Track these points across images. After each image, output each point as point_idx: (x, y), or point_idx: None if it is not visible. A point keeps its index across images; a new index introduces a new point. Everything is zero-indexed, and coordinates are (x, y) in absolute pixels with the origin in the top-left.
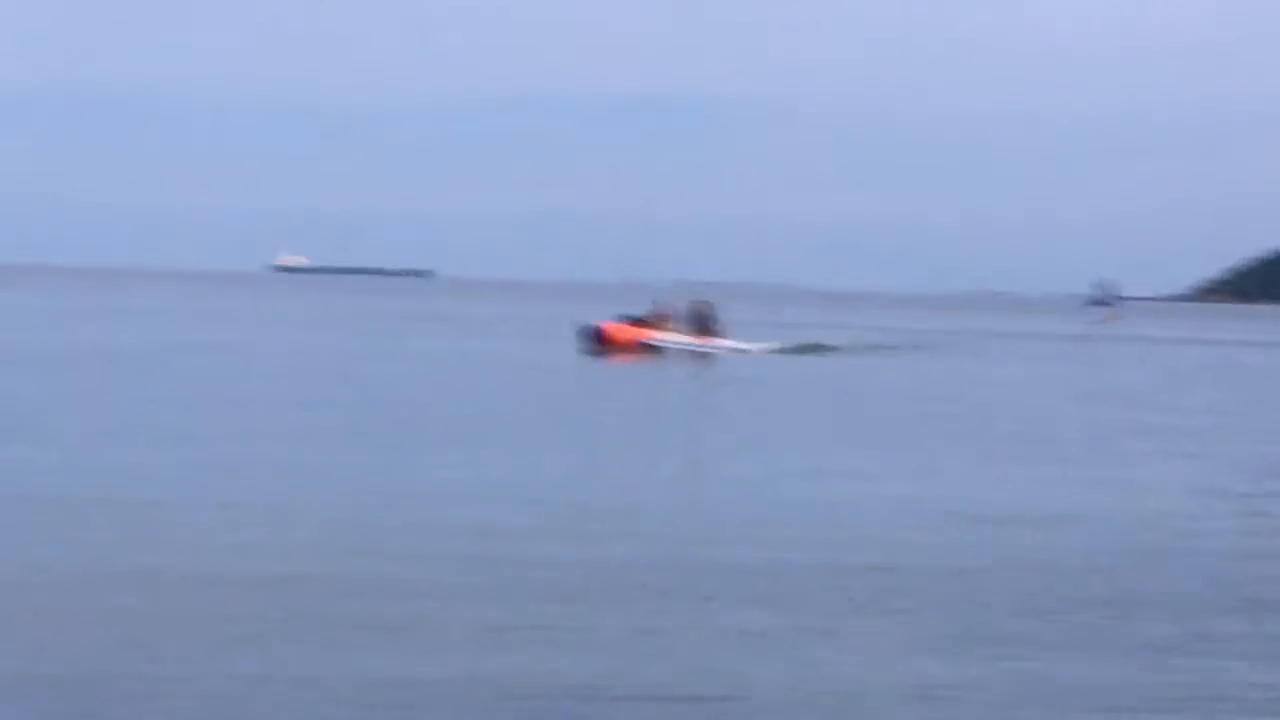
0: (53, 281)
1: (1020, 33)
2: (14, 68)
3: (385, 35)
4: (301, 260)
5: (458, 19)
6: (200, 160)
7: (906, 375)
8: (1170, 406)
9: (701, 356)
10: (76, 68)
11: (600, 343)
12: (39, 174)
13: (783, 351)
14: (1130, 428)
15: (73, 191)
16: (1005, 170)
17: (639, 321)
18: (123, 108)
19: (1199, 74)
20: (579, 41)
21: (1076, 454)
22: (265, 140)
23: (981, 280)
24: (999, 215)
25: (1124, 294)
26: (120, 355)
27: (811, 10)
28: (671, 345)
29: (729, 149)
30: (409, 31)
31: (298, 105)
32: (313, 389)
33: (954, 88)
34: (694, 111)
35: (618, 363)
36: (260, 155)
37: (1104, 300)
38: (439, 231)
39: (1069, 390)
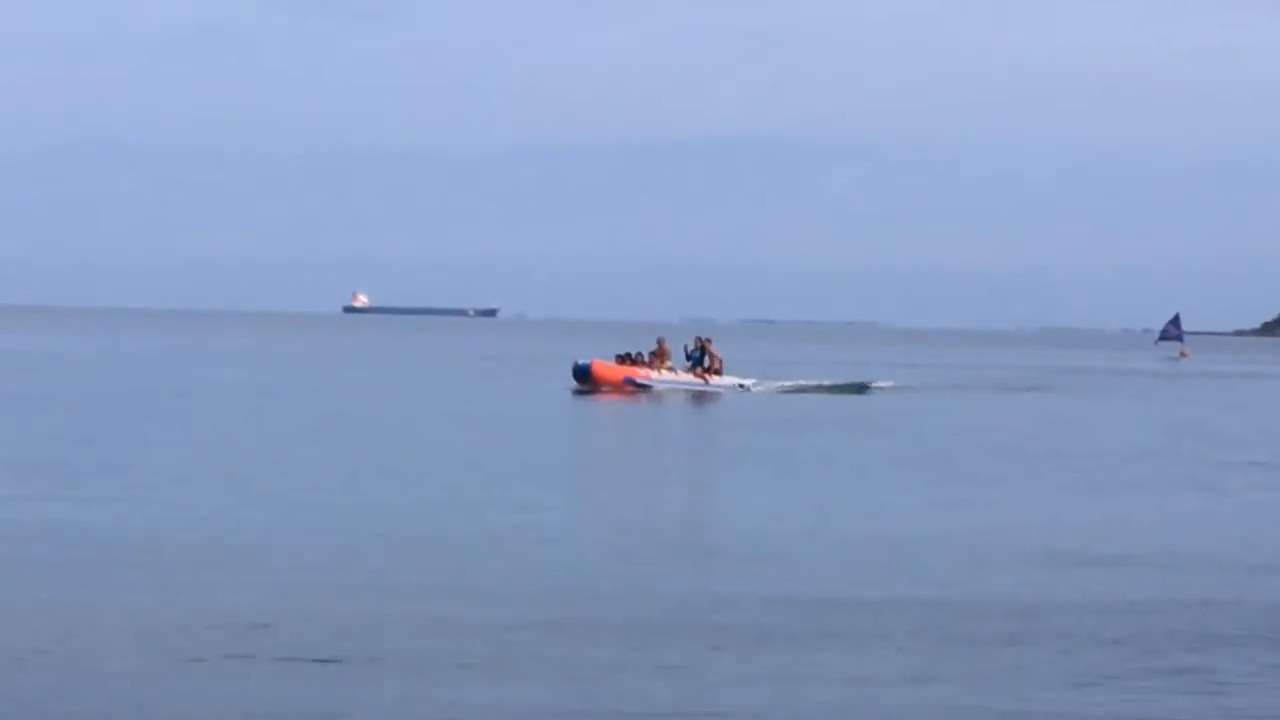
0: (157, 324)
1: (1090, 71)
2: (111, 120)
3: (457, 83)
4: (368, 301)
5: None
6: (280, 208)
7: (989, 412)
8: (1261, 441)
9: (698, 395)
10: (175, 122)
11: (588, 380)
12: (140, 222)
13: (795, 390)
14: (1224, 462)
15: (170, 239)
16: (1072, 209)
17: (630, 359)
18: (212, 159)
19: (1260, 114)
20: (645, 87)
21: (1179, 490)
22: (342, 186)
23: (1053, 317)
24: (1065, 254)
25: (1190, 329)
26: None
27: (875, 52)
28: (663, 383)
29: (805, 191)
30: (482, 78)
31: (373, 151)
32: (363, 433)
33: (1018, 128)
34: (777, 152)
35: (601, 401)
36: (337, 201)
37: (1175, 336)
38: (505, 272)
39: (1159, 425)
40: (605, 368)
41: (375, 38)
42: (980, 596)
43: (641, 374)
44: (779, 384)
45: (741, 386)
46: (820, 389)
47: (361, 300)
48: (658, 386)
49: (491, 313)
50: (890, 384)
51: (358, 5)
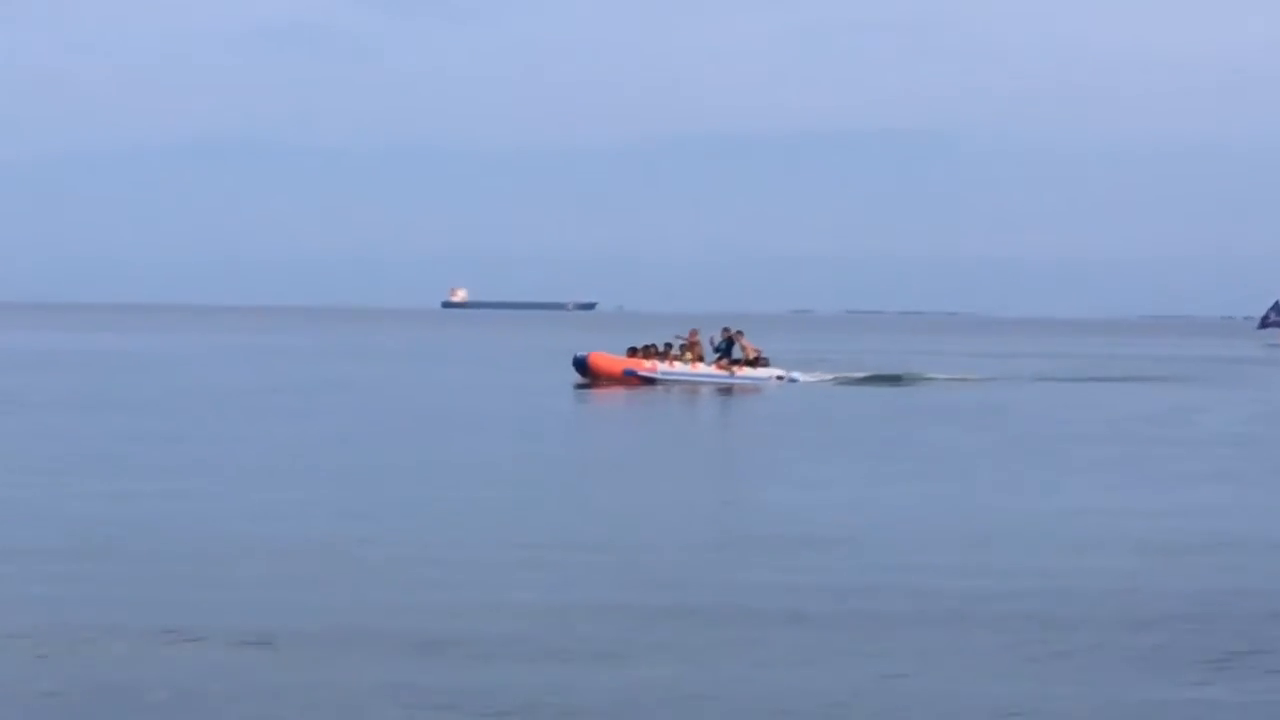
0: (286, 321)
1: (1199, 60)
2: (220, 125)
3: (569, 80)
4: (466, 296)
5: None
6: (381, 205)
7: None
8: None
9: (724, 388)
10: (275, 120)
11: (586, 373)
12: (248, 220)
13: (842, 382)
14: None
15: (291, 239)
16: (1174, 198)
17: (644, 352)
18: (317, 157)
19: None
20: (751, 78)
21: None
22: (442, 182)
23: (1154, 304)
24: (1166, 242)
25: None
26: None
27: (969, 41)
28: (671, 376)
29: (896, 183)
30: (599, 73)
31: (473, 148)
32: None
33: (1117, 118)
34: (862, 145)
35: (597, 395)
36: (438, 197)
37: (1275, 322)
38: (604, 266)
39: (1259, 412)
40: (604, 360)
41: (474, 37)
42: (1091, 585)
43: (647, 366)
44: (830, 376)
45: (780, 378)
46: (862, 380)
47: (460, 295)
48: (664, 379)
49: (590, 306)
50: (953, 376)
51: (456, 4)
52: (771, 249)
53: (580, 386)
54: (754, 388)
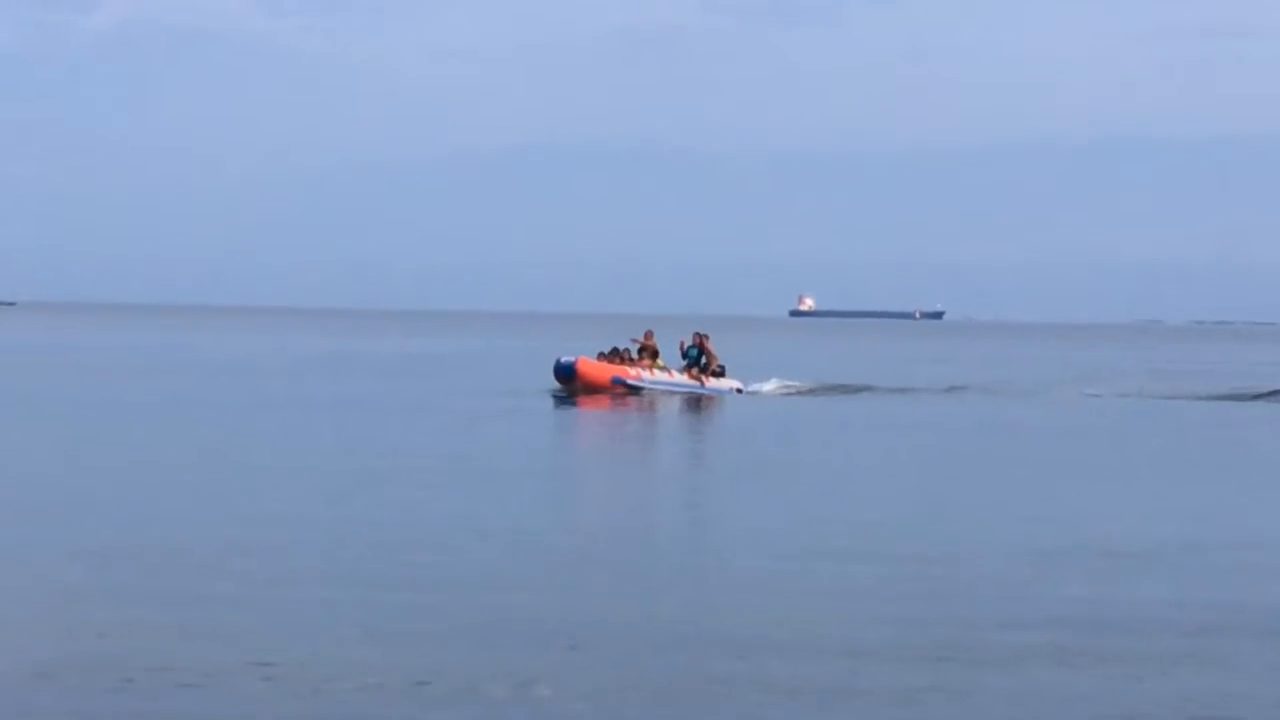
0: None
1: None
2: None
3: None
4: (814, 304)
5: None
6: (730, 211)
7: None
8: None
9: (697, 399)
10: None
11: (572, 381)
12: (592, 225)
13: (805, 393)
14: None
15: (637, 246)
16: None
17: (619, 356)
18: (661, 162)
19: None
20: (1075, 87)
21: None
22: (789, 189)
23: None
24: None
25: None
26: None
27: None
28: (656, 385)
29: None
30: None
31: (804, 153)
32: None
33: None
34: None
35: (590, 407)
36: (785, 204)
37: None
38: (952, 274)
39: None
40: (591, 367)
41: (814, 43)
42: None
43: (632, 374)
44: (783, 385)
45: (740, 390)
46: (809, 391)
47: (808, 303)
48: (649, 389)
49: (938, 315)
50: (895, 387)
51: (802, 9)
52: (1123, 255)
53: (559, 395)
54: (718, 398)
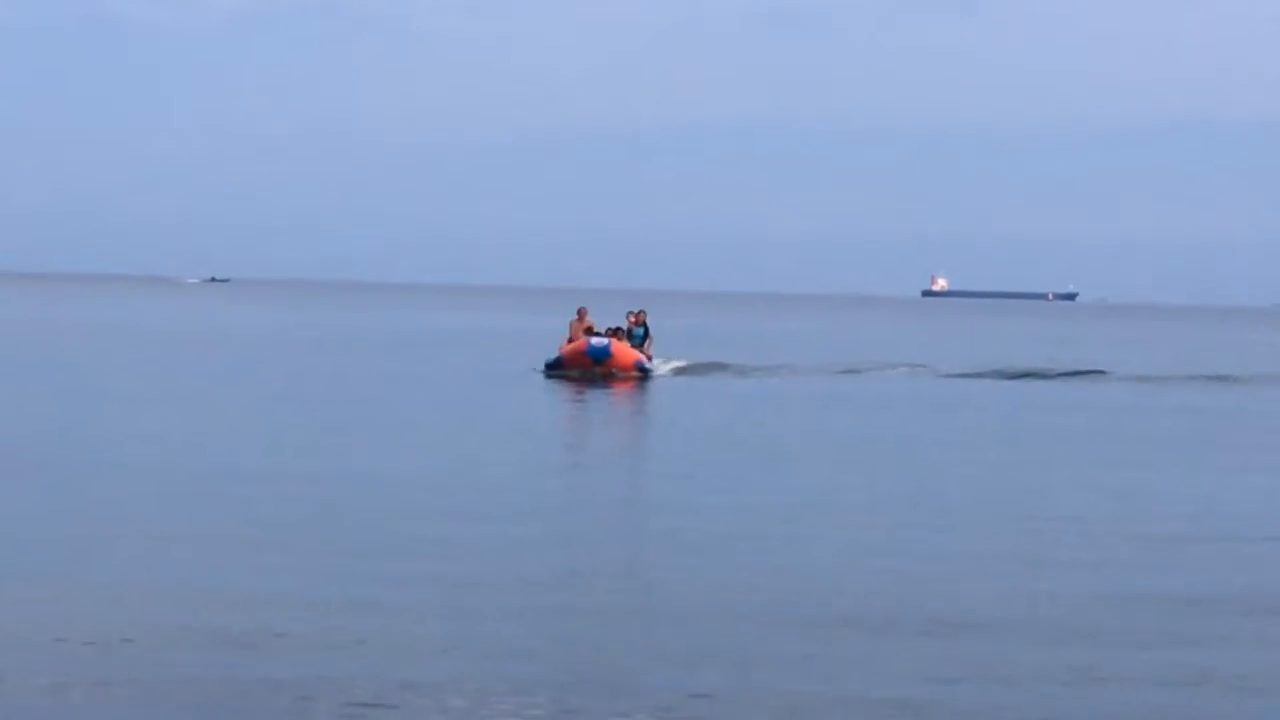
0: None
1: None
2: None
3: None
4: (946, 285)
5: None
6: (864, 189)
7: None
8: None
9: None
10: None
11: (604, 364)
12: (739, 206)
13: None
14: None
15: (758, 224)
16: None
17: (618, 335)
18: (796, 139)
19: None
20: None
21: None
22: (926, 167)
23: None
24: None
25: None
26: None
27: None
28: (650, 368)
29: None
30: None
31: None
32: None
33: None
34: None
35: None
36: (922, 182)
37: None
38: (1086, 256)
39: None
40: (622, 350)
41: (961, 27)
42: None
43: (643, 357)
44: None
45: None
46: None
47: (940, 284)
48: (656, 371)
49: (1071, 297)
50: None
51: None
52: (1248, 235)
53: (555, 377)
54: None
